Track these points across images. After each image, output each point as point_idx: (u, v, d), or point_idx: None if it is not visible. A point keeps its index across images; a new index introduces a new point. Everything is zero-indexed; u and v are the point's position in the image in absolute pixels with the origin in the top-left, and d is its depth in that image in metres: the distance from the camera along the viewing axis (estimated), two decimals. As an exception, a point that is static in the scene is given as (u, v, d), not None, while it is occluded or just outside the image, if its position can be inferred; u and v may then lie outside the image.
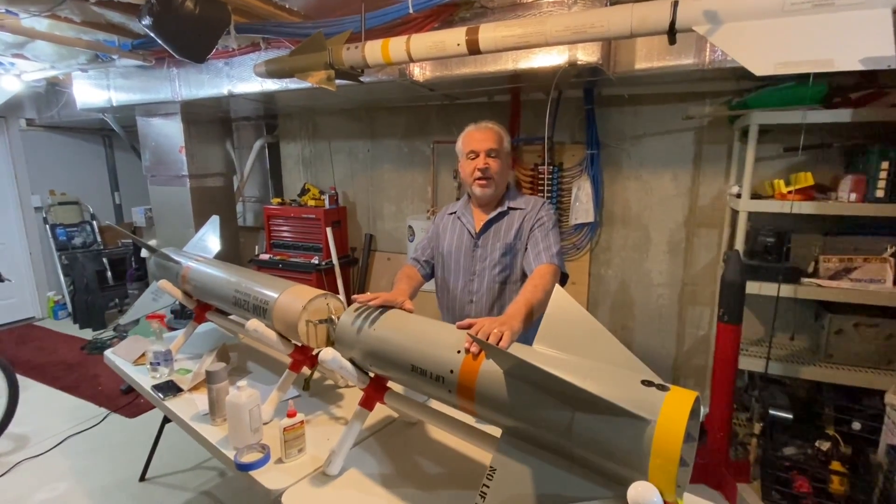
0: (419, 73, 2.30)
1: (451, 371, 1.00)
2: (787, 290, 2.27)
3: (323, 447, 1.34)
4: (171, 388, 1.71)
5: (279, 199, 4.11)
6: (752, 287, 2.24)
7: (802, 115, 2.12)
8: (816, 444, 2.20)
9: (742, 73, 2.44)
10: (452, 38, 1.62)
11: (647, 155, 2.94)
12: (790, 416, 2.29)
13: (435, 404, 1.39)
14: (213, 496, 2.21)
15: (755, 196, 2.38)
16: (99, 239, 4.96)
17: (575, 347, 0.96)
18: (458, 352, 1.01)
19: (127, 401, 3.06)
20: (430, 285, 1.75)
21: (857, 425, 2.29)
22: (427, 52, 1.68)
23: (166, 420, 2.32)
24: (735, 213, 2.70)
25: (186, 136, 3.61)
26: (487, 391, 0.94)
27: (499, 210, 1.58)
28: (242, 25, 2.14)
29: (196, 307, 2.04)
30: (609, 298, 3.21)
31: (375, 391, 1.28)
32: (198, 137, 3.74)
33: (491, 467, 0.91)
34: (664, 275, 3.04)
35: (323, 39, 1.82)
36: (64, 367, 3.70)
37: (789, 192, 2.30)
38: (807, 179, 2.29)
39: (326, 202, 3.85)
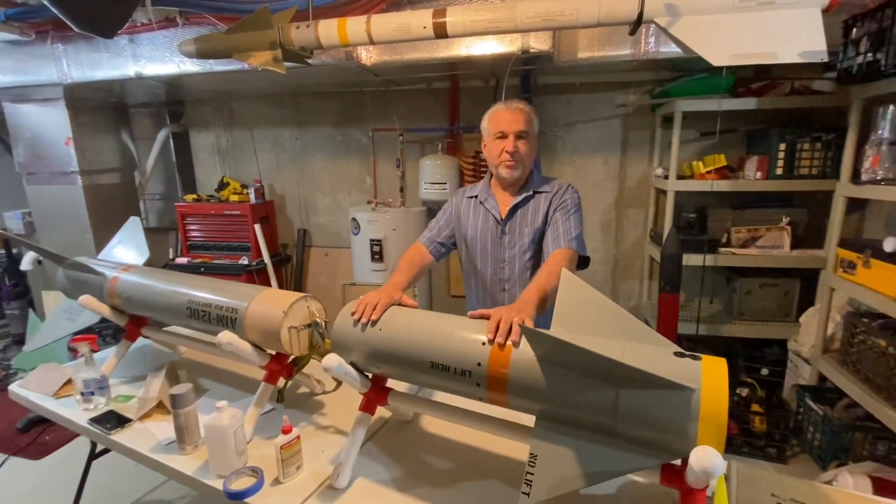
0: (366, 56, 2.19)
1: (479, 364, 0.98)
2: (708, 260, 2.56)
3: (319, 460, 1.25)
4: (114, 419, 1.47)
5: (194, 196, 3.70)
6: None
7: (719, 104, 2.38)
8: (738, 391, 2.53)
9: (663, 65, 2.67)
10: (418, 21, 1.56)
11: (580, 141, 3.12)
12: (716, 369, 2.60)
13: (437, 395, 1.37)
14: (164, 532, 1.97)
15: (678, 177, 2.63)
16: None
17: (593, 328, 0.99)
18: (484, 343, 0.99)
19: (27, 440, 2.59)
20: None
21: (765, 371, 2.68)
22: (390, 35, 1.60)
23: (94, 456, 2.00)
24: (658, 192, 2.97)
25: (74, 126, 3.09)
26: (522, 380, 0.93)
27: (524, 194, 1.51)
28: (160, -4, 1.87)
29: (128, 323, 1.78)
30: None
31: (378, 394, 1.21)
32: (88, 127, 3.22)
33: (531, 454, 0.91)
34: (598, 252, 3.26)
35: (270, 16, 1.65)
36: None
37: (707, 172, 2.58)
38: (720, 160, 2.58)
39: (252, 196, 3.55)
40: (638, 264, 3.21)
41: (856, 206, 2.46)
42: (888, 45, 1.68)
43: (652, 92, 2.87)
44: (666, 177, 2.64)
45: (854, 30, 1.88)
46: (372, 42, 1.64)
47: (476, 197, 1.59)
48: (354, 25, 1.62)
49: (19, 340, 3.76)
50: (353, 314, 1.15)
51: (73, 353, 3.09)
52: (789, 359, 2.55)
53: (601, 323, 1.00)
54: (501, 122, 1.46)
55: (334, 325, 1.18)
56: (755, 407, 2.42)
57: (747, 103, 2.42)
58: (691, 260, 2.56)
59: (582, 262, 1.48)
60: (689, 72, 2.63)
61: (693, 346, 2.81)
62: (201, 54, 1.83)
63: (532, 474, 0.89)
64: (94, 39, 2.32)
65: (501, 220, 1.53)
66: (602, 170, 3.13)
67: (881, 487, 1.75)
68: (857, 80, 1.92)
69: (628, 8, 1.41)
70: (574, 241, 1.42)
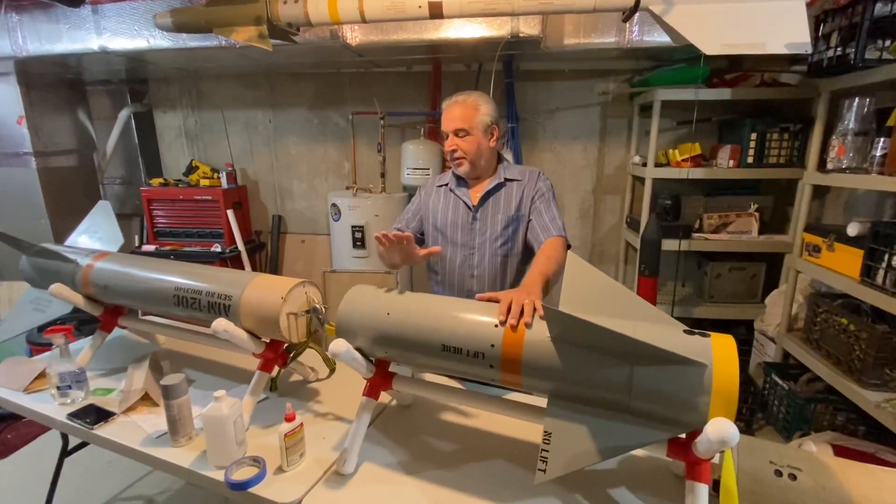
0: (351, 36, 2.12)
1: (493, 346, 0.98)
2: (682, 245, 2.66)
3: (321, 447, 1.23)
4: (95, 413, 1.40)
5: (161, 180, 3.52)
6: (659, 244, 2.58)
7: (696, 93, 2.46)
8: (709, 369, 2.66)
9: (643, 54, 2.73)
10: (413, 0, 1.52)
11: (560, 128, 3.15)
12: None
13: (438, 379, 1.37)
14: (146, 528, 1.91)
15: (655, 165, 2.71)
16: None
17: (601, 308, 1.01)
18: (496, 325, 1.00)
19: (-14, 440, 2.43)
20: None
21: (733, 350, 2.83)
22: (383, 13, 1.56)
23: (66, 453, 1.90)
24: (636, 180, 3.06)
25: (27, 104, 2.87)
26: (536, 360, 0.95)
27: (496, 182, 1.53)
28: (131, -36, 1.74)
29: (104, 313, 1.69)
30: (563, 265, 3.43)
31: (382, 378, 1.21)
32: (42, 105, 3.00)
33: (546, 432, 0.93)
34: (576, 239, 3.33)
35: (255, -10, 1.57)
36: None
37: (683, 160, 2.67)
38: (695, 149, 2.68)
39: (224, 181, 3.41)
40: (614, 250, 3.30)
41: (817, 192, 2.61)
42: (858, 40, 1.78)
43: (631, 81, 2.92)
44: (644, 164, 2.72)
45: (824, 24, 1.97)
46: (364, 20, 1.59)
47: (446, 185, 1.61)
48: (346, 3, 1.56)
49: (-32, 335, 3.50)
50: (376, 239, 1.20)
51: (33, 346, 2.91)
52: (755, 338, 2.70)
53: (609, 304, 1.02)
54: (444, 121, 1.51)
55: (340, 310, 1.16)
56: (725, 384, 2.56)
57: (722, 93, 2.51)
58: (666, 245, 2.65)
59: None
60: (667, 62, 2.69)
61: (667, 327, 2.94)
62: (178, 27, 1.72)
63: (547, 451, 0.91)
64: (53, 8, 2.14)
65: (473, 207, 1.55)
66: (581, 157, 3.18)
67: (840, 455, 1.89)
68: (827, 73, 2.02)
69: (625, -6, 1.42)
70: (562, 228, 1.49)
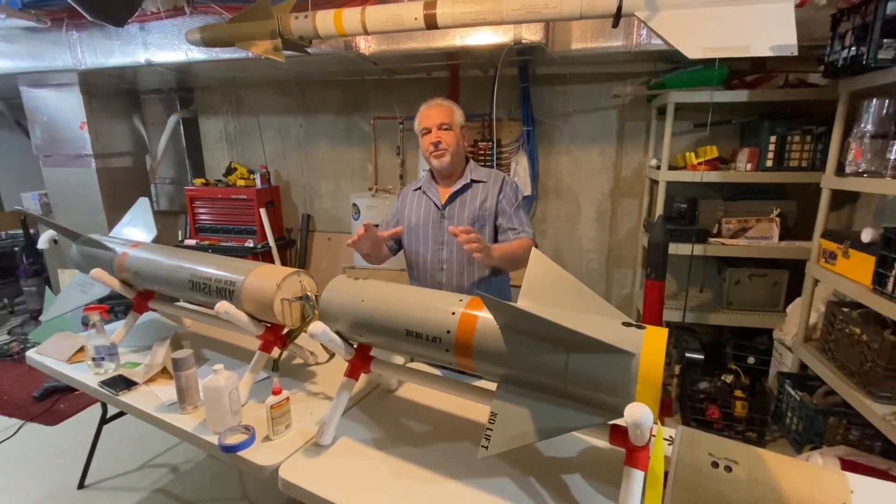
0: (365, 46, 2.26)
1: (448, 331, 1.07)
2: (698, 250, 2.62)
3: (307, 421, 1.35)
4: (122, 383, 1.60)
5: (202, 180, 3.82)
6: (671, 248, 2.55)
7: (710, 95, 2.42)
8: (722, 377, 2.60)
9: (659, 56, 2.71)
10: (410, 13, 1.63)
11: (577, 131, 3.17)
12: (702, 356, 2.67)
13: (415, 366, 1.47)
14: (170, 493, 2.11)
15: (671, 168, 2.68)
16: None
17: (557, 301, 1.07)
18: (453, 313, 1.08)
19: (43, 408, 2.75)
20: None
21: (751, 359, 2.74)
22: (383, 25, 1.68)
23: (104, 421, 2.14)
24: (653, 183, 3.02)
25: (88, 111, 3.21)
26: (486, 346, 1.02)
27: (463, 183, 1.66)
28: (168, -13, 1.95)
29: (136, 296, 1.90)
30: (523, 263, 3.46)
31: (361, 361, 1.31)
32: (102, 112, 3.34)
33: (492, 413, 1.01)
34: (593, 241, 3.33)
35: (269, 6, 1.73)
36: (-50, 379, 3.20)
37: (699, 164, 2.62)
38: (712, 152, 2.63)
39: (258, 181, 3.66)
40: (631, 253, 3.27)
41: (846, 198, 2.50)
42: (870, 39, 1.72)
43: (648, 83, 2.90)
44: (659, 167, 2.69)
45: (840, 24, 1.91)
46: (366, 32, 1.72)
47: (420, 188, 1.76)
48: (350, 16, 1.69)
49: (36, 316, 3.94)
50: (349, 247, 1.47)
51: (87, 326, 3.25)
52: (774, 347, 2.60)
53: (563, 297, 1.08)
54: (424, 119, 1.66)
55: (322, 297, 1.28)
56: (738, 393, 2.49)
57: (738, 95, 2.45)
58: (680, 249, 2.62)
59: None
60: (684, 64, 2.66)
61: (681, 333, 2.88)
62: (206, 42, 1.92)
63: (491, 430, 0.99)
64: (106, 27, 2.42)
65: (441, 205, 1.68)
66: (598, 160, 3.18)
67: (848, 469, 1.81)
68: (843, 74, 1.95)
69: (608, 1, 1.47)
70: (531, 233, 1.64)
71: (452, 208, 1.66)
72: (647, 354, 0.87)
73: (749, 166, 2.52)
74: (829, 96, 2.34)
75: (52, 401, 2.81)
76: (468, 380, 1.35)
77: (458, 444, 1.26)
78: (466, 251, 1.33)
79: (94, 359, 1.67)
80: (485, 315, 1.05)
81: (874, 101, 1.88)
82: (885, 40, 1.72)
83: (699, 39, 1.41)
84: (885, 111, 1.87)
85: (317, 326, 1.19)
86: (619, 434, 1.00)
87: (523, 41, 2.07)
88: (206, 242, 3.71)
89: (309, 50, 2.00)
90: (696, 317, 2.78)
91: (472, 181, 1.67)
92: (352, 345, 1.31)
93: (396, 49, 2.25)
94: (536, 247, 1.56)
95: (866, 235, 1.85)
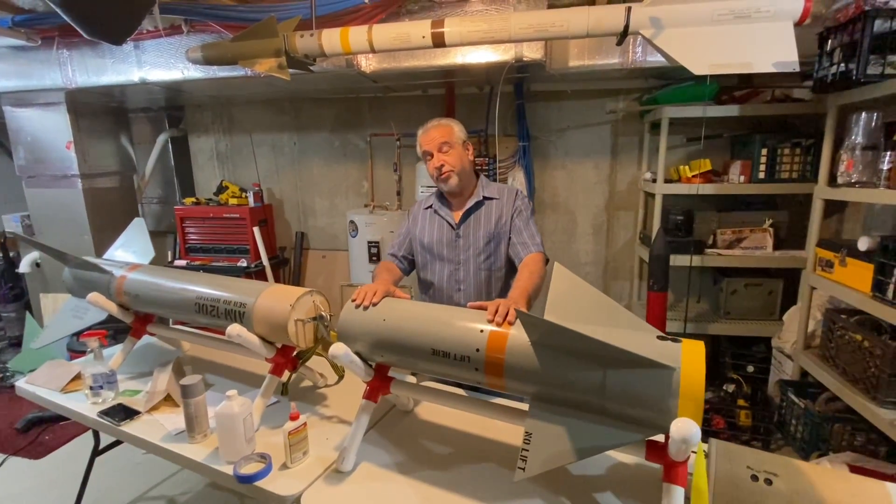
0: (366, 64, 2.27)
1: (478, 350, 1.05)
2: (695, 261, 2.65)
3: (324, 447, 1.31)
4: (123, 412, 1.52)
5: (193, 199, 3.75)
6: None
7: (704, 110, 2.49)
8: (725, 387, 2.61)
9: (651, 73, 2.78)
10: (417, 31, 1.64)
11: (571, 146, 3.21)
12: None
13: (435, 385, 1.44)
14: (167, 526, 2.01)
15: (666, 181, 2.73)
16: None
17: (584, 316, 1.07)
18: (482, 331, 1.06)
19: (27, 440, 2.61)
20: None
21: (750, 368, 2.77)
22: (390, 43, 1.68)
23: (97, 452, 2.04)
24: (647, 196, 3.07)
25: (75, 130, 3.14)
26: (518, 363, 1.01)
27: (475, 200, 1.64)
28: (168, 5, 1.93)
29: (134, 321, 1.83)
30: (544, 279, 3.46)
31: (381, 382, 1.28)
32: (89, 131, 3.27)
33: (526, 433, 0.98)
34: (590, 254, 3.35)
35: (275, 25, 1.73)
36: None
37: (693, 177, 2.68)
38: (705, 165, 2.69)
39: (251, 200, 3.60)
40: (628, 265, 3.30)
41: (835, 208, 2.57)
42: (859, 56, 1.79)
43: (641, 99, 2.97)
44: (654, 181, 2.74)
45: (828, 41, 1.99)
46: (373, 50, 1.72)
47: (431, 207, 1.72)
48: (356, 34, 1.70)
49: (16, 343, 3.77)
50: (353, 301, 1.24)
51: (73, 353, 3.11)
52: (773, 356, 2.64)
53: (591, 312, 1.07)
54: (424, 143, 1.62)
55: (341, 317, 1.25)
56: (741, 402, 2.51)
57: (729, 110, 2.53)
58: (678, 260, 2.65)
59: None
60: (675, 80, 2.74)
61: (681, 344, 2.90)
62: (208, 61, 1.90)
63: (527, 451, 0.97)
64: (99, 45, 2.38)
65: (455, 225, 1.65)
66: (593, 174, 3.22)
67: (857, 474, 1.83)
68: (832, 89, 2.03)
69: (615, 20, 1.50)
70: (540, 245, 1.59)
71: (467, 227, 1.63)
72: (686, 368, 0.87)
73: (742, 178, 2.58)
74: (816, 110, 2.43)
75: (37, 432, 2.67)
76: (485, 398, 1.32)
77: (482, 464, 1.23)
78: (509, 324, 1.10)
79: (91, 387, 1.59)
80: (515, 332, 1.04)
81: (863, 114, 1.95)
82: (871, 56, 1.80)
83: (704, 56, 1.45)
84: (873, 123, 1.94)
85: (339, 348, 1.16)
86: (655, 450, 0.98)
87: (524, 59, 2.10)
88: (198, 262, 3.62)
89: (315, 68, 2.00)
90: (695, 327, 2.80)
91: (485, 198, 1.64)
92: (370, 365, 1.28)
93: (398, 67, 2.26)
94: (546, 258, 1.56)
95: (863, 244, 1.90)
